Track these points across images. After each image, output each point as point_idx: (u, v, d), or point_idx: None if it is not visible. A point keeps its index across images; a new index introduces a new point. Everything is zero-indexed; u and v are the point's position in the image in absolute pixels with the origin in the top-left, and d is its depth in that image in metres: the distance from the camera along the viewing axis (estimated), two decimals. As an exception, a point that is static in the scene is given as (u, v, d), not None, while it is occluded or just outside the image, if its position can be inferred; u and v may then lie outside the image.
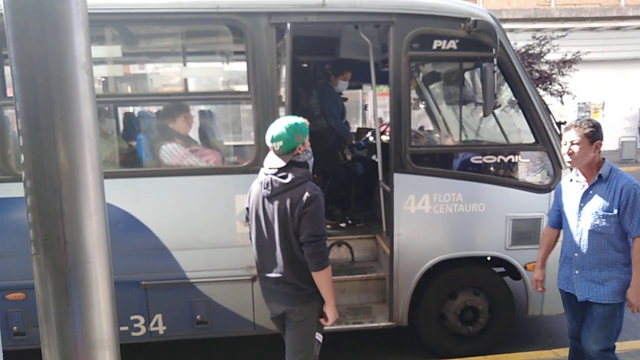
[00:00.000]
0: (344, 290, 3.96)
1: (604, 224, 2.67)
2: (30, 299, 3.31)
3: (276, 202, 2.46)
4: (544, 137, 3.61)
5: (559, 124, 3.76)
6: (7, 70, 3.21)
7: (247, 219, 2.70)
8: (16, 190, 3.05)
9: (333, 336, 3.05)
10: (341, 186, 5.10)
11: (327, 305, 2.55)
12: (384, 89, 5.18)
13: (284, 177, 2.46)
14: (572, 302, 2.88)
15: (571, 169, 2.94)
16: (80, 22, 0.60)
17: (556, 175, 3.63)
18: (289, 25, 3.30)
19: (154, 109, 4.69)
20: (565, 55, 13.02)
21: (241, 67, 4.17)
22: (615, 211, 2.63)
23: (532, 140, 3.66)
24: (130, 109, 5.27)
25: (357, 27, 3.88)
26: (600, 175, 2.70)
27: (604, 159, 2.74)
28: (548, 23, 15.14)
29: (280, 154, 2.48)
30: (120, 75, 4.98)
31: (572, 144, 2.67)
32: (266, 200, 2.52)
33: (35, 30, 0.58)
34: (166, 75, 6.32)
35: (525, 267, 3.69)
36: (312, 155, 2.60)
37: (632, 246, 2.64)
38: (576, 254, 2.78)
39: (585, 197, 2.75)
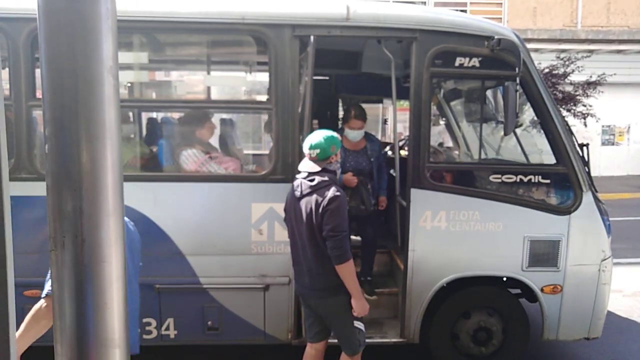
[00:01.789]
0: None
1: None
2: (46, 296, 3.35)
3: (304, 202, 2.83)
4: (565, 158, 3.55)
5: (581, 145, 3.70)
6: (37, 73, 3.31)
7: (285, 219, 3.09)
8: (40, 189, 3.11)
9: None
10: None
11: (353, 298, 2.82)
12: (405, 104, 5.17)
13: (312, 180, 2.83)
14: None
15: None
16: (109, 27, 0.62)
17: (577, 197, 3.56)
18: (312, 37, 3.34)
19: (176, 115, 4.76)
20: (590, 76, 12.83)
21: (263, 77, 4.22)
22: None
23: (553, 161, 3.61)
24: (154, 115, 5.36)
25: (380, 42, 3.89)
26: None
27: None
28: (574, 44, 14.93)
29: (315, 160, 2.86)
30: (146, 81, 5.08)
31: None
32: (297, 201, 2.88)
33: (66, 34, 0.60)
34: (190, 82, 6.42)
35: (542, 290, 3.61)
36: (340, 167, 3.03)
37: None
38: None
39: None
